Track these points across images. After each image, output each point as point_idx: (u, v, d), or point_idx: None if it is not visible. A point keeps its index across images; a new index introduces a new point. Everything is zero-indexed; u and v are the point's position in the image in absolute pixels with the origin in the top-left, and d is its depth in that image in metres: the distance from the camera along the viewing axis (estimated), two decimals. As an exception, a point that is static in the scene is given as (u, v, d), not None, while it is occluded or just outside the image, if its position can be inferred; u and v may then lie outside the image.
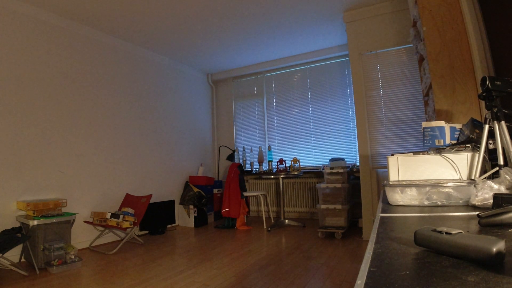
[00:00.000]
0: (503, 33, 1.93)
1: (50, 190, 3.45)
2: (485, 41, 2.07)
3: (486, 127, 1.05)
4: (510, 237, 0.53)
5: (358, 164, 4.48)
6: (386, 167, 1.18)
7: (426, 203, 0.89)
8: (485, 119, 1.06)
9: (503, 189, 0.82)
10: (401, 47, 3.62)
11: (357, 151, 4.19)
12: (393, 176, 1.13)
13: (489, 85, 1.02)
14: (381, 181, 3.64)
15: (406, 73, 3.61)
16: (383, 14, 3.70)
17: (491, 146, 1.08)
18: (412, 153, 1.14)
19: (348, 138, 4.91)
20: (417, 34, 2.63)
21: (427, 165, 1.09)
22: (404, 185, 0.92)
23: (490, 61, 2.04)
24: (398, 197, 0.92)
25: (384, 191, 1.00)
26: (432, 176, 1.08)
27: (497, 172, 0.96)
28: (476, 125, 1.26)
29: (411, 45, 3.19)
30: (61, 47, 3.69)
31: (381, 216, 0.79)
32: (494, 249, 0.40)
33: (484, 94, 1.05)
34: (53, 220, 3.02)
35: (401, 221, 0.74)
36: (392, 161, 1.14)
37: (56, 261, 2.85)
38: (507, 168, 0.92)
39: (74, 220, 3.30)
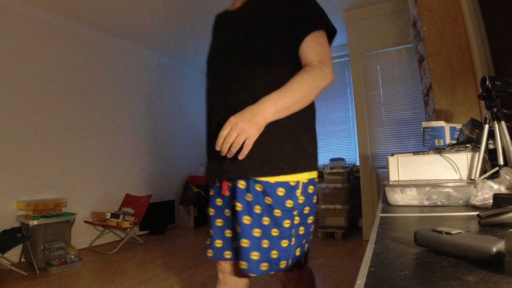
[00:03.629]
0: (503, 33, 1.93)
1: (50, 190, 3.45)
2: (485, 41, 2.07)
3: (486, 127, 1.05)
4: (510, 237, 0.53)
5: (358, 164, 4.48)
6: (386, 167, 1.18)
7: (426, 203, 0.89)
8: (485, 119, 1.06)
9: (503, 189, 0.82)
10: (401, 47, 3.62)
11: (357, 151, 4.19)
12: (393, 176, 1.13)
13: (489, 85, 1.02)
14: (381, 181, 3.64)
15: (406, 73, 3.60)
16: (383, 14, 3.70)
17: (491, 146, 1.08)
18: (412, 153, 1.14)
19: (348, 138, 4.91)
20: (417, 34, 2.63)
21: (427, 165, 1.09)
22: (404, 185, 0.92)
23: (490, 61, 2.04)
24: (398, 197, 0.92)
25: (384, 191, 1.00)
26: (432, 176, 1.08)
27: (497, 172, 0.96)
28: (476, 125, 1.26)
29: (411, 45, 3.19)
30: (61, 47, 3.69)
31: (381, 216, 0.79)
32: (494, 249, 0.40)
33: (484, 94, 1.05)
34: (53, 220, 3.02)
35: (401, 221, 0.75)
36: (392, 161, 1.14)
37: (56, 261, 2.85)
38: (507, 168, 0.92)
39: (74, 220, 3.30)
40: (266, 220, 0.98)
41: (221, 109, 1.02)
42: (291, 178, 0.98)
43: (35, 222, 2.89)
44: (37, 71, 3.45)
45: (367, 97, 3.77)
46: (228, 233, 1.09)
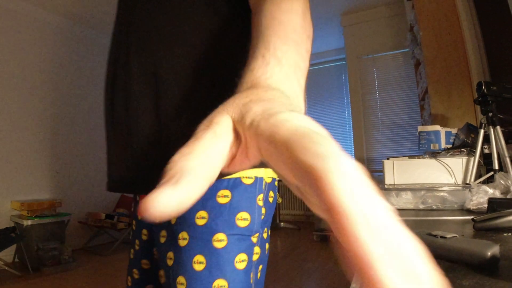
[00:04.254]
0: (499, 38, 1.95)
1: (45, 190, 3.42)
2: (481, 46, 2.08)
3: (482, 131, 1.06)
4: (505, 241, 0.53)
5: (354, 167, 4.49)
6: (382, 170, 1.18)
7: (421, 207, 0.89)
8: (481, 124, 1.07)
9: (497, 194, 0.83)
10: (398, 51, 3.64)
11: (353, 154, 4.20)
12: (388, 180, 1.14)
13: (485, 90, 1.03)
14: (377, 185, 3.65)
15: (402, 77, 3.63)
16: (380, 18, 3.72)
17: (486, 151, 1.09)
18: (407, 157, 1.14)
19: (344, 141, 4.92)
20: (414, 39, 2.65)
21: (423, 169, 1.10)
22: (399, 189, 0.93)
23: (486, 66, 2.06)
24: (393, 201, 0.93)
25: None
26: (427, 180, 1.08)
27: (492, 176, 0.97)
28: (471, 129, 1.27)
29: (407, 49, 3.21)
30: (58, 46, 3.68)
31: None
32: (489, 253, 0.40)
33: (480, 99, 1.06)
34: (48, 220, 2.99)
35: (397, 224, 0.75)
36: (387, 164, 1.14)
37: (50, 261, 2.82)
38: (502, 172, 0.93)
39: (69, 220, 3.28)
40: (199, 262, 0.50)
41: (145, 79, 0.53)
42: (243, 174, 0.53)
43: (29, 222, 2.87)
44: (35, 70, 3.42)
45: (363, 101, 3.78)
46: (144, 264, 0.63)
